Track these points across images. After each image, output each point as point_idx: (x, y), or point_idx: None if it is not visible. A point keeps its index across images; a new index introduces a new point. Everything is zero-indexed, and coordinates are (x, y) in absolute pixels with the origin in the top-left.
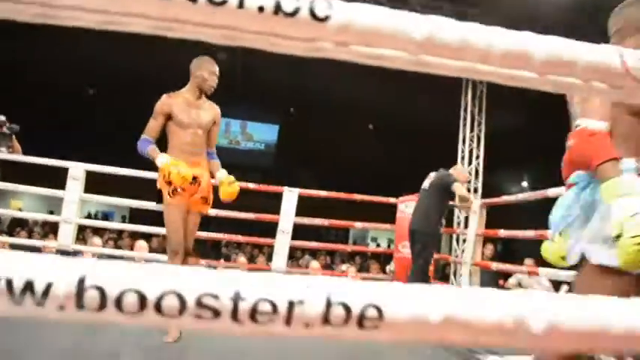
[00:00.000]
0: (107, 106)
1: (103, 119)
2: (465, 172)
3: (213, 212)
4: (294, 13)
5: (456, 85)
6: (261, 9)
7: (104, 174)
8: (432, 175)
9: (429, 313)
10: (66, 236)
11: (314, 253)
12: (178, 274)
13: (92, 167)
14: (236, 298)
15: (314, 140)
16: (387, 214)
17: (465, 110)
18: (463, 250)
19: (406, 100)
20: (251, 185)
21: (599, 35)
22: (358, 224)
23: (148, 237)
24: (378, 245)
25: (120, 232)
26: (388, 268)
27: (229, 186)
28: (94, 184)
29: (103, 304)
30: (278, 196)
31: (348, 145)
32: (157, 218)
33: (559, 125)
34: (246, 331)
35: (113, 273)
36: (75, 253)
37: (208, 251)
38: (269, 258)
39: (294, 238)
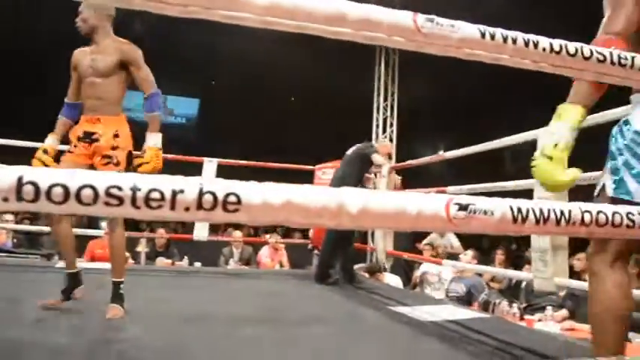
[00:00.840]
0: None
1: None
2: (388, 144)
3: None
4: None
5: (370, 57)
6: None
7: None
8: (357, 145)
9: (274, 198)
10: None
11: (237, 226)
12: (93, 174)
13: None
14: (134, 189)
15: (235, 113)
16: (307, 182)
17: (379, 80)
18: None
19: (324, 71)
20: (169, 156)
21: None
22: None
23: None
24: None
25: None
26: (310, 232)
27: (150, 159)
28: None
29: (36, 196)
30: (199, 168)
31: (269, 117)
32: None
33: (472, 94)
34: (143, 215)
35: (45, 172)
36: None
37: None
38: (191, 229)
39: None
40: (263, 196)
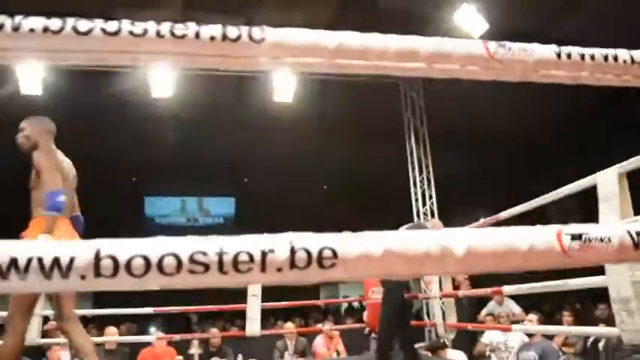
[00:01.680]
0: None
1: None
2: (440, 223)
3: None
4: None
5: (399, 134)
6: (212, 38)
7: None
8: (409, 224)
9: (373, 249)
10: None
11: (288, 318)
12: (176, 240)
13: None
14: (221, 253)
15: (271, 207)
16: None
17: (411, 155)
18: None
19: (355, 156)
20: None
21: None
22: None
23: None
24: (349, 303)
25: None
26: (364, 315)
27: None
28: None
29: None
30: None
31: (305, 208)
32: None
33: (510, 159)
34: (232, 282)
35: (122, 243)
36: None
37: (180, 326)
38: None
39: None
40: (361, 248)
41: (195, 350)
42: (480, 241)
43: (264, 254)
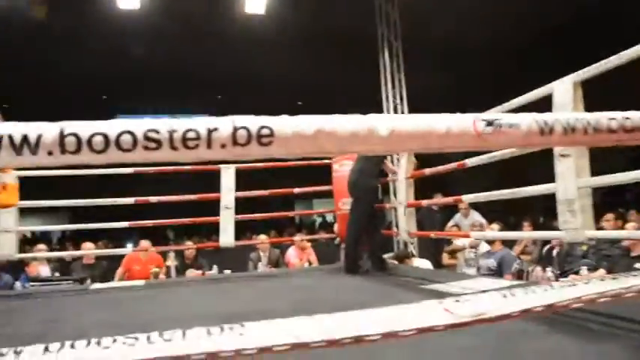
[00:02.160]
0: None
1: None
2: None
3: (154, 199)
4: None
5: (372, 49)
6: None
7: None
8: None
9: (306, 128)
10: None
11: (262, 230)
12: (130, 120)
13: None
14: (171, 131)
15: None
16: (325, 177)
17: (385, 70)
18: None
19: (330, 71)
20: (186, 167)
21: None
22: (297, 190)
23: None
24: (324, 218)
25: None
26: (336, 227)
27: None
28: None
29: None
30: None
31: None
32: None
33: (484, 83)
34: (181, 156)
35: (84, 124)
36: None
37: (156, 238)
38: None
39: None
40: (295, 127)
41: (171, 262)
42: (403, 123)
43: (209, 131)
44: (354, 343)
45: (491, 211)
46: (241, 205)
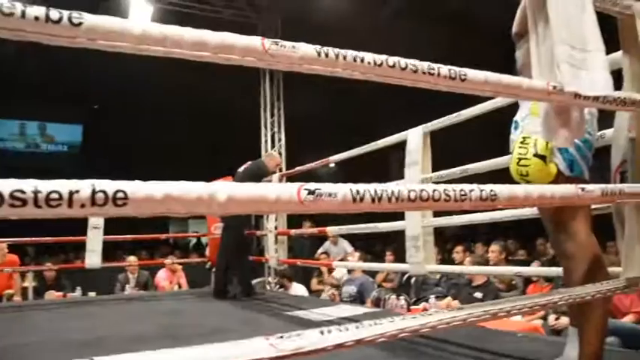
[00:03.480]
0: None
1: None
2: (276, 156)
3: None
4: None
5: (255, 75)
6: (37, 18)
7: None
8: (249, 162)
9: (156, 193)
10: None
11: (132, 251)
12: None
13: None
14: (36, 191)
15: (123, 137)
16: None
17: (265, 97)
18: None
19: (212, 91)
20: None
21: None
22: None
23: None
24: (199, 239)
25: None
26: (207, 251)
27: None
28: None
29: None
30: None
31: (160, 137)
32: None
33: (359, 108)
34: (44, 213)
35: None
36: None
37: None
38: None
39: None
40: (146, 192)
41: (29, 283)
42: (239, 191)
43: (70, 193)
44: None
45: (359, 239)
46: (112, 224)
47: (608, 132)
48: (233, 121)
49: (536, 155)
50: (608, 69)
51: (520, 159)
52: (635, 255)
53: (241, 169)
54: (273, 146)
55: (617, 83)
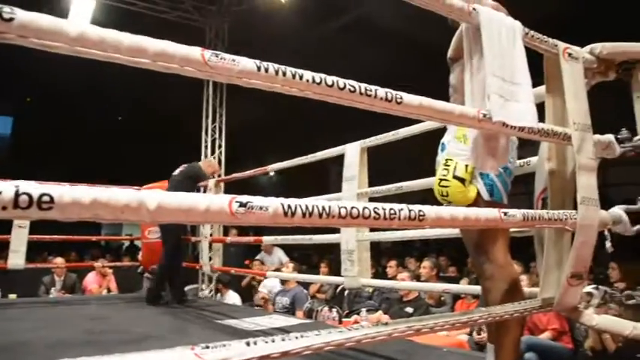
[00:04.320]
0: None
1: None
2: (213, 162)
3: None
4: None
5: (199, 80)
6: None
7: None
8: (184, 165)
9: (83, 198)
10: None
11: (60, 252)
12: None
13: None
14: None
15: (56, 133)
16: None
17: (207, 102)
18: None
19: (154, 93)
20: None
21: None
22: None
23: None
24: (132, 242)
25: None
26: (139, 255)
27: None
28: None
29: None
30: None
31: (95, 138)
32: None
33: (304, 117)
34: None
35: None
36: None
37: None
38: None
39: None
40: (74, 196)
41: None
42: (169, 199)
43: None
44: None
45: (296, 250)
46: (39, 223)
47: (533, 159)
48: (173, 124)
49: (455, 177)
50: (534, 101)
51: (441, 180)
52: (552, 277)
53: (177, 172)
54: (213, 152)
55: (541, 115)
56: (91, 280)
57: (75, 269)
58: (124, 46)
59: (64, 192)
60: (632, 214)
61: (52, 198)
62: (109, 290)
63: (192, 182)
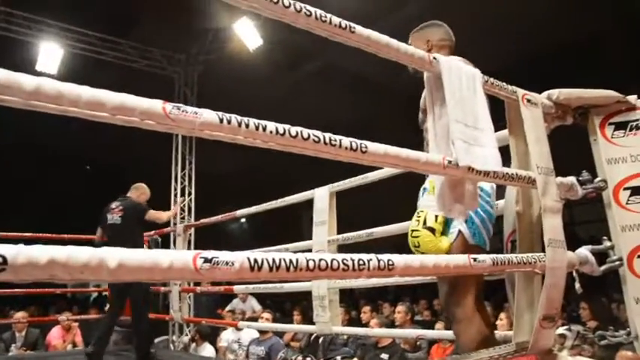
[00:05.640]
0: None
1: None
2: (142, 186)
3: None
4: None
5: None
6: None
7: None
8: (115, 206)
9: (40, 258)
10: None
11: (21, 306)
12: None
13: None
14: None
15: (18, 182)
16: None
17: (177, 150)
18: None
19: (122, 143)
20: None
21: None
22: None
23: None
24: (100, 292)
25: None
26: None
27: None
28: None
29: None
30: None
31: (59, 188)
32: None
33: (274, 163)
34: None
35: None
36: None
37: None
38: None
39: None
40: (29, 257)
41: None
42: (131, 257)
43: None
44: None
45: (267, 297)
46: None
47: (500, 202)
48: (141, 173)
49: (425, 227)
50: (497, 146)
51: (413, 230)
52: (524, 321)
53: (114, 217)
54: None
55: (505, 158)
56: (55, 335)
57: (38, 324)
58: (82, 100)
59: (19, 252)
60: (598, 254)
61: (4, 259)
62: (74, 345)
63: (138, 224)
